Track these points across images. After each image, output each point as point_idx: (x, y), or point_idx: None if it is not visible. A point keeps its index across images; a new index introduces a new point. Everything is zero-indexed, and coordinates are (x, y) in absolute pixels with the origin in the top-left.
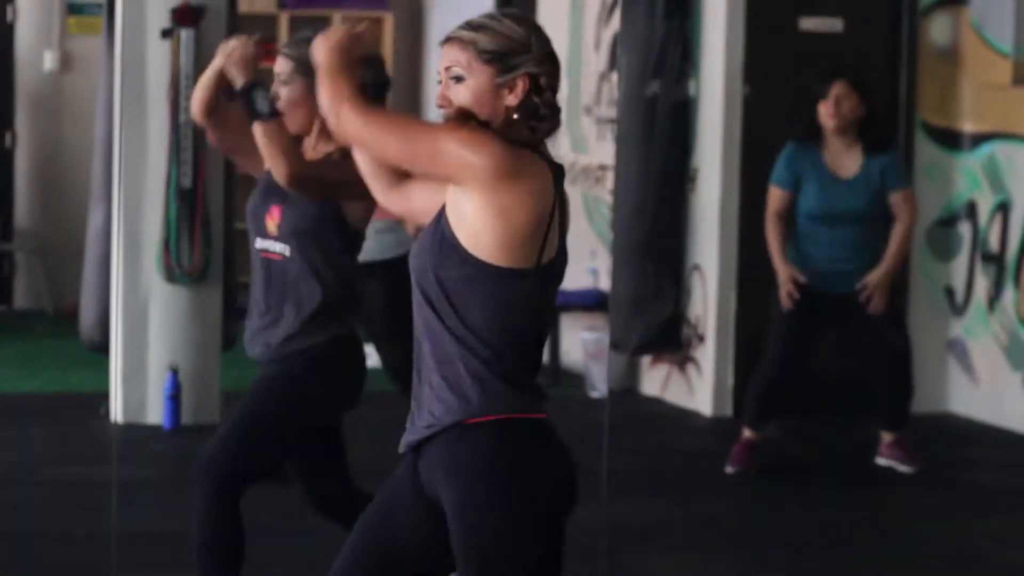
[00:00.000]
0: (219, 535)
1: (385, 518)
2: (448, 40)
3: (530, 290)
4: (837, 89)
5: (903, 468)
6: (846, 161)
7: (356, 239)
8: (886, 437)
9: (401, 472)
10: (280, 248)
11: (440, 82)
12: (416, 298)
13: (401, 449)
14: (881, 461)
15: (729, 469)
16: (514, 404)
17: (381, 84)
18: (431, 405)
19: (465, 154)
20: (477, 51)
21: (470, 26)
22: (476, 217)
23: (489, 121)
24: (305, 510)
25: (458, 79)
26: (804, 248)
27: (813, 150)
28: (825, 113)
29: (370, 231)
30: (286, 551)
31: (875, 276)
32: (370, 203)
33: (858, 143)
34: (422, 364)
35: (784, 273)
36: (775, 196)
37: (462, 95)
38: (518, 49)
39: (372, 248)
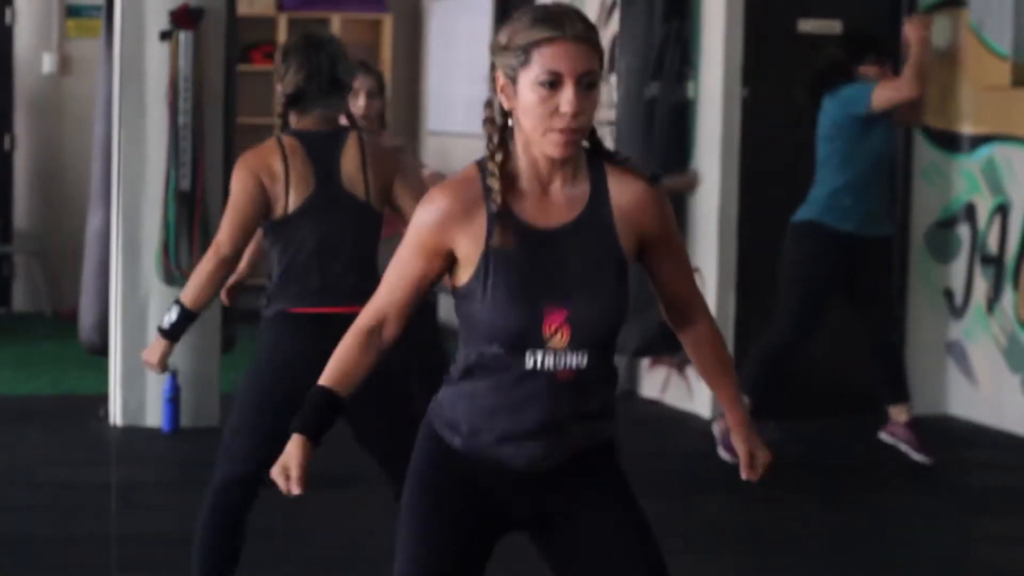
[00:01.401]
0: (220, 541)
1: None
2: (576, 39)
3: None
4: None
5: (915, 455)
6: None
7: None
8: (899, 415)
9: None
10: None
11: (550, 83)
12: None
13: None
14: (886, 438)
15: (726, 456)
16: None
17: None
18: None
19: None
20: (599, 59)
21: (587, 25)
22: None
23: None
24: (303, 514)
25: (592, 86)
26: (859, 195)
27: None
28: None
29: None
30: (283, 554)
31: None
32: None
33: None
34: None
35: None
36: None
37: (593, 105)
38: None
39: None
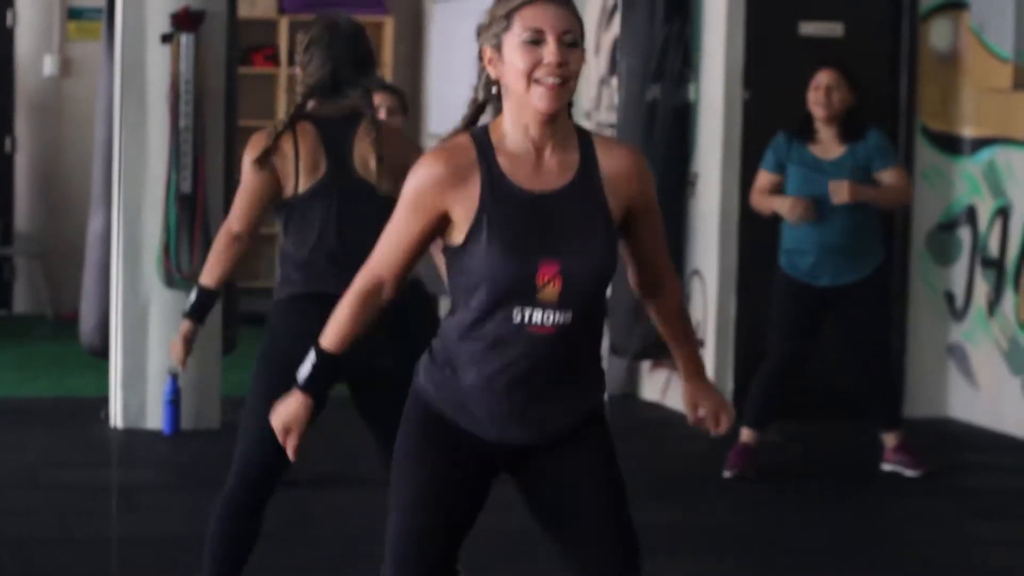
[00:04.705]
0: (229, 549)
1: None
2: (555, 2)
3: None
4: (827, 79)
5: (909, 472)
6: (831, 147)
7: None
8: (889, 441)
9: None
10: None
11: (533, 41)
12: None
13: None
14: (886, 466)
15: (726, 473)
16: None
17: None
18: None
19: None
20: (581, 26)
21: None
22: None
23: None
24: (303, 515)
25: (574, 44)
26: (793, 238)
27: (800, 139)
28: (814, 101)
29: None
30: (283, 555)
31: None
32: None
33: (840, 130)
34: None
35: (786, 203)
36: (760, 178)
37: (578, 61)
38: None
39: None
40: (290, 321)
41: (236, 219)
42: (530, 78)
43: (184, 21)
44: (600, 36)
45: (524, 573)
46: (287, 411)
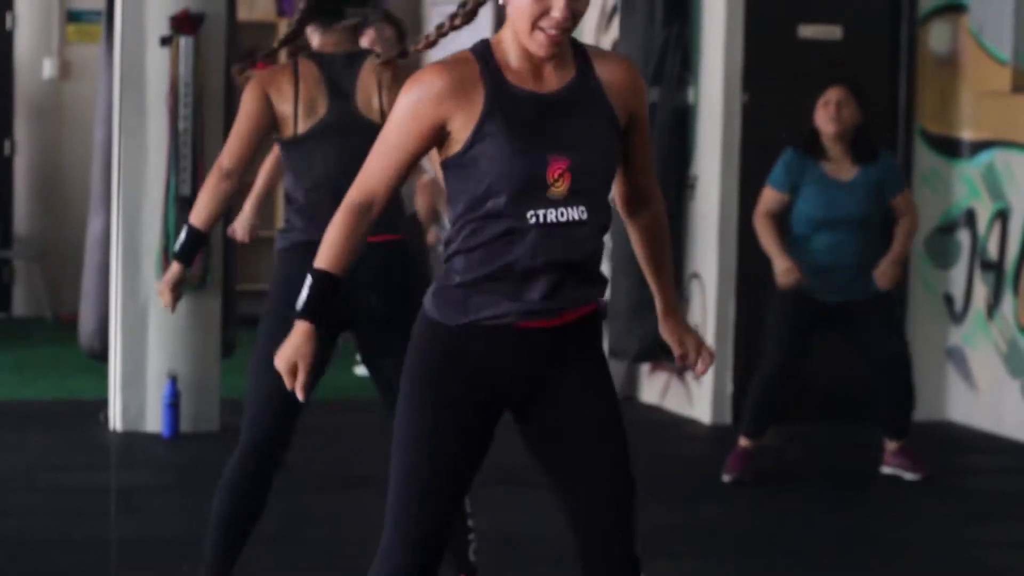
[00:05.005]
0: (236, 517)
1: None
2: None
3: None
4: (837, 95)
5: (909, 476)
6: (844, 166)
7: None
8: (890, 445)
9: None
10: None
11: None
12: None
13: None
14: (886, 470)
15: (725, 477)
16: None
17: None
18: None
19: None
20: None
21: None
22: None
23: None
24: (303, 514)
25: None
26: (801, 255)
27: (812, 158)
28: (824, 118)
29: None
30: (283, 555)
31: (884, 263)
32: None
33: (852, 149)
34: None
35: (782, 264)
36: (768, 196)
37: (584, 5)
38: None
39: None
40: (289, 272)
41: (227, 155)
42: (534, 24)
43: (183, 24)
44: (599, 38)
45: (524, 573)
46: (291, 345)
